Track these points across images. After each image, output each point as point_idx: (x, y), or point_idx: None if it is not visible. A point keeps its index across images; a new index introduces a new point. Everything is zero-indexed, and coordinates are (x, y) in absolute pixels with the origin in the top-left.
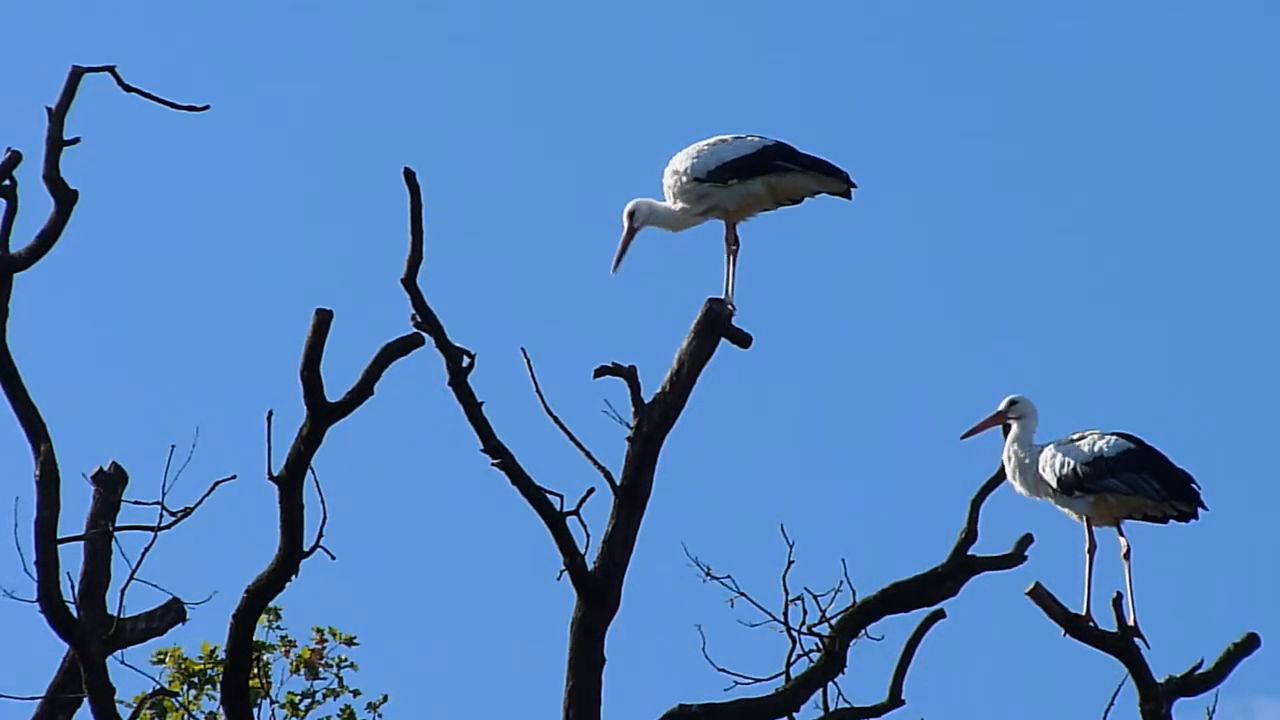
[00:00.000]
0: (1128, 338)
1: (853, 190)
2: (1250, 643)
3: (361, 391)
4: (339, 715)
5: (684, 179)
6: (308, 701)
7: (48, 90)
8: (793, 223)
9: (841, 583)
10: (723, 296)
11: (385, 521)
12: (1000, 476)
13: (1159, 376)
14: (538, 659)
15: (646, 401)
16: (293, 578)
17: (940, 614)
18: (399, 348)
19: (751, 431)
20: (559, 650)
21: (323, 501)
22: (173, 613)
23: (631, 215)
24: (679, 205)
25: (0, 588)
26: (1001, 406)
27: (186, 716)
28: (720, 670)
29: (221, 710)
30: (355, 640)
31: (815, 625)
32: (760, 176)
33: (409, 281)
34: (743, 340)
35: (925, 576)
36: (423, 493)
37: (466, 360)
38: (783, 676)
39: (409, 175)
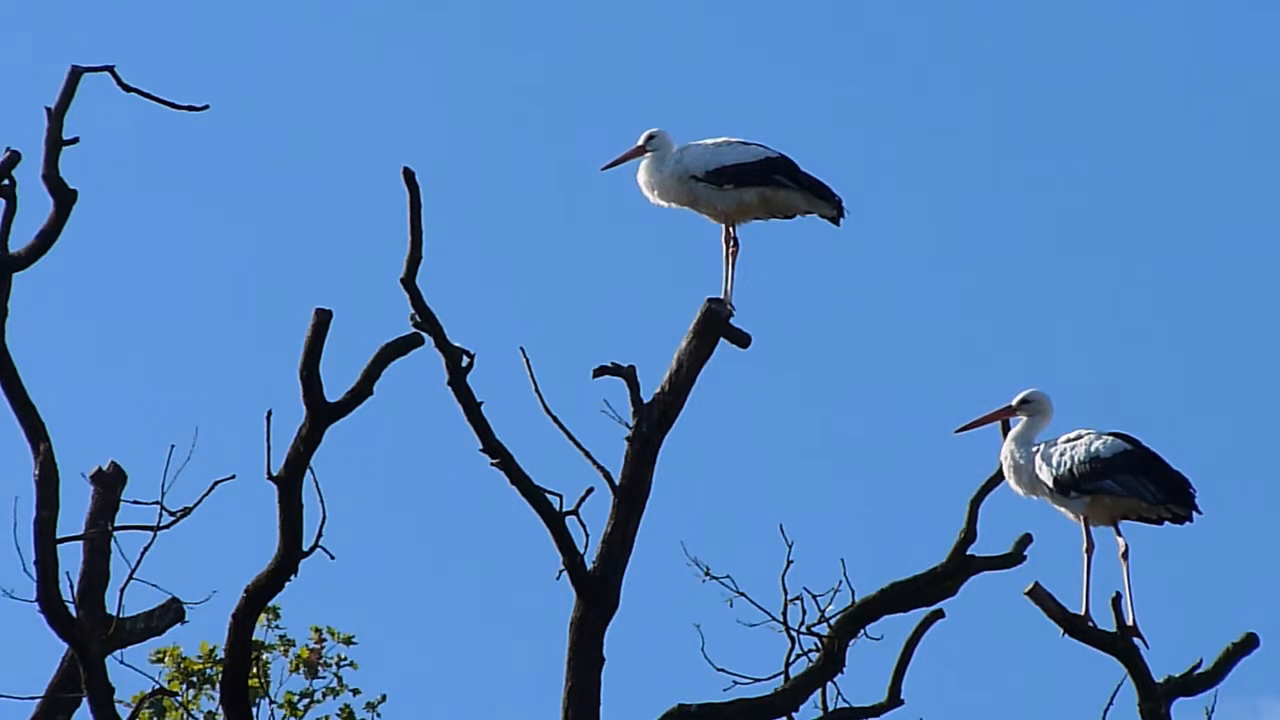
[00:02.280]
0: (1126, 338)
1: (841, 219)
2: (1249, 643)
3: (361, 391)
4: (338, 714)
5: (682, 170)
6: (306, 701)
7: (48, 90)
8: (792, 222)
9: (841, 583)
10: (722, 296)
11: (385, 521)
12: (999, 476)
13: (1157, 377)
14: (537, 659)
15: (646, 401)
16: (292, 577)
17: (940, 614)
18: (399, 348)
19: (751, 431)
20: (559, 650)
21: (322, 501)
22: (172, 612)
23: (649, 139)
24: (670, 183)
25: (0, 588)
26: (1014, 401)
27: (186, 716)
28: (719, 670)
29: (221, 710)
30: (354, 639)
31: (814, 625)
32: (756, 187)
33: (409, 281)
34: (742, 340)
35: (925, 576)
36: (423, 493)
37: (466, 360)
38: (782, 676)
39: (409, 175)
